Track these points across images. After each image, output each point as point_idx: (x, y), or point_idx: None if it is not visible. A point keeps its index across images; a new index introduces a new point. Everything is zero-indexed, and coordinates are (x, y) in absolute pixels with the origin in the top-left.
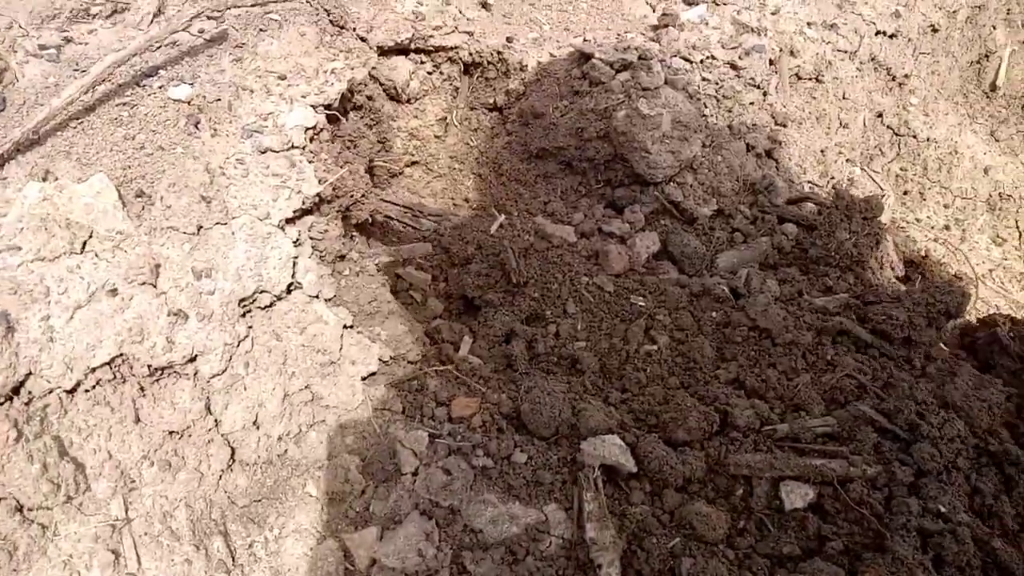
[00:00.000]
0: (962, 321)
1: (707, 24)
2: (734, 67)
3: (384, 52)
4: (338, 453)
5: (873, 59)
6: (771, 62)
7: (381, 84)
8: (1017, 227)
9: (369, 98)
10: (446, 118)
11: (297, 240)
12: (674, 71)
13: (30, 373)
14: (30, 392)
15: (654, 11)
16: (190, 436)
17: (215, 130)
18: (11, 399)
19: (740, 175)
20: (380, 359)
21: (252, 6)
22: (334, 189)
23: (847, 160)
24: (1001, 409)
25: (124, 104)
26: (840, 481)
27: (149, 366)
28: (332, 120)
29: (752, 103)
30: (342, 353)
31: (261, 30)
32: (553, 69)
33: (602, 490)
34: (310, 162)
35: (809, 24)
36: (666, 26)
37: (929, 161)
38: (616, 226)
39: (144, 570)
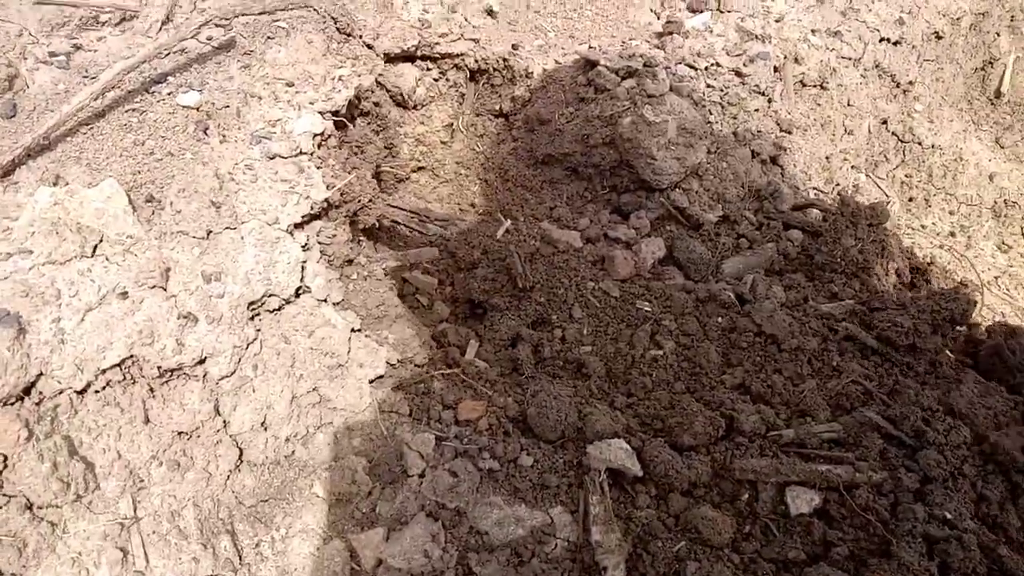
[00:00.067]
0: (967, 328)
1: (711, 31)
2: (739, 74)
3: (391, 59)
4: (345, 455)
5: (877, 66)
6: (775, 69)
7: (388, 91)
8: (1022, 234)
9: (376, 104)
10: (452, 124)
11: (305, 245)
12: (679, 78)
13: (41, 374)
14: (41, 392)
15: (659, 18)
16: (199, 437)
17: (224, 136)
18: (22, 399)
19: (745, 181)
20: (387, 362)
21: (260, 14)
22: (342, 194)
23: (852, 167)
24: (1007, 417)
25: (133, 110)
26: (846, 487)
27: (159, 368)
28: (340, 126)
29: (757, 110)
30: (350, 356)
31: (269, 37)
32: (559, 76)
33: (608, 493)
34: (318, 168)
35: (813, 31)
36: (671, 33)
37: (934, 168)
38: (622, 232)
39: (152, 568)
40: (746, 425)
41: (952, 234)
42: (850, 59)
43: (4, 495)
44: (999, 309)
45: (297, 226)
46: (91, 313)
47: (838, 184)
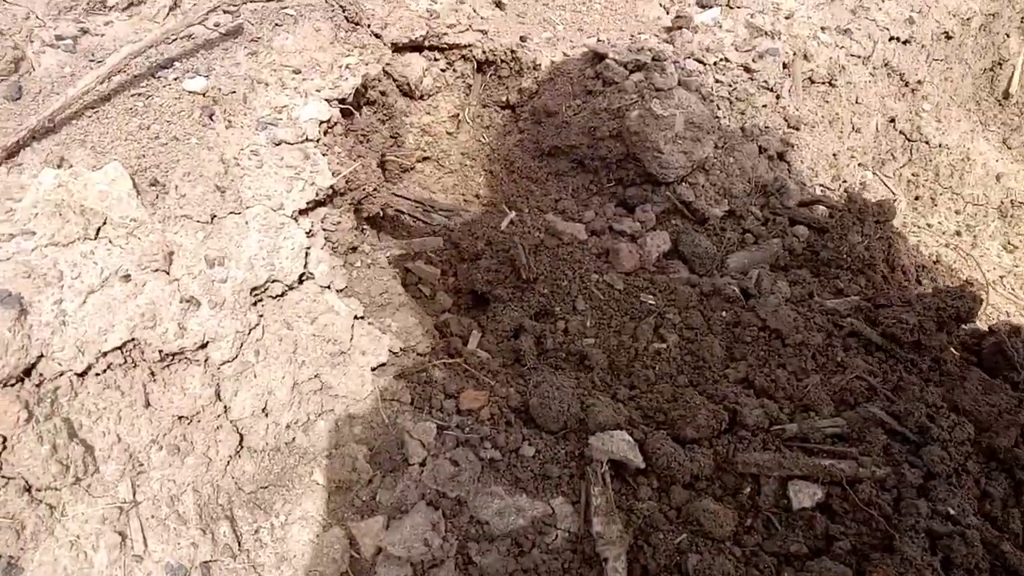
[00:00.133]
0: (972, 326)
1: (721, 27)
2: (747, 70)
3: (398, 49)
4: (346, 442)
5: (886, 64)
6: (784, 65)
7: (395, 80)
8: None
9: (383, 94)
10: (458, 115)
11: (310, 231)
12: (687, 73)
13: (42, 355)
14: (41, 374)
15: (668, 13)
16: (199, 422)
17: (230, 122)
18: (22, 380)
19: (752, 177)
20: (390, 350)
21: (268, 1)
22: (347, 182)
23: (859, 164)
24: (1011, 414)
25: (139, 95)
26: (849, 481)
27: (160, 351)
28: (346, 114)
29: (765, 106)
30: (352, 343)
31: (276, 25)
32: (566, 68)
33: (609, 485)
34: (324, 155)
35: (823, 29)
36: (680, 28)
37: (941, 167)
38: (627, 225)
39: (150, 552)
40: (749, 419)
41: (958, 233)
42: (859, 57)
43: (3, 477)
44: (1004, 308)
45: (302, 212)
46: (93, 295)
47: (845, 181)
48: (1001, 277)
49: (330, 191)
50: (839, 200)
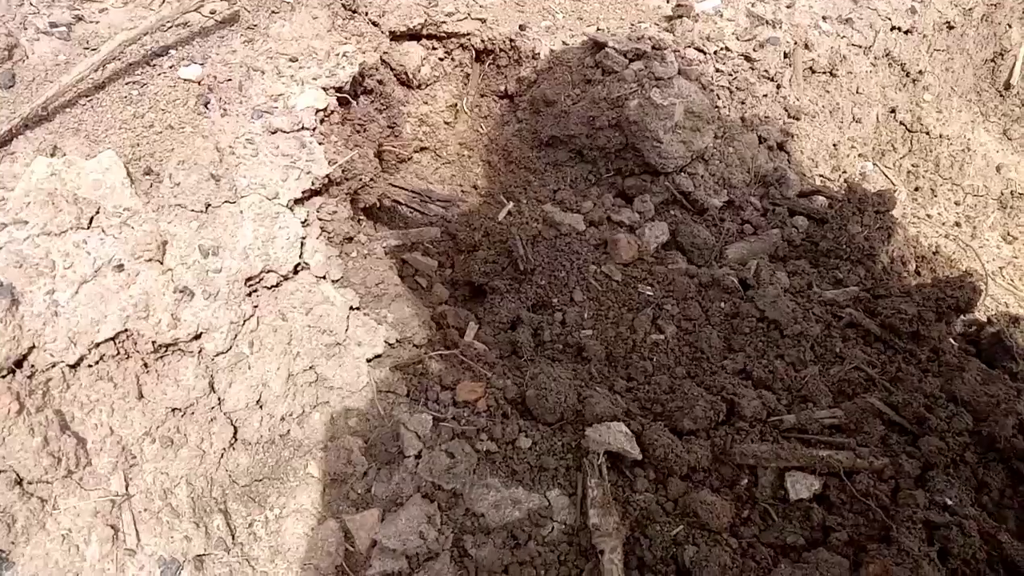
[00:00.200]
0: (971, 317)
1: (721, 16)
2: (748, 59)
3: (396, 37)
4: (341, 434)
5: (888, 55)
6: (785, 55)
7: (392, 69)
8: None
9: (380, 82)
10: (456, 105)
11: (305, 220)
12: (688, 62)
13: (34, 346)
14: (33, 365)
15: (668, 2)
16: (193, 414)
17: (225, 110)
18: (14, 372)
19: (752, 167)
20: (386, 341)
21: None
22: (343, 171)
23: (859, 155)
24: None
25: (134, 83)
26: (846, 472)
27: (153, 342)
28: (343, 103)
29: (765, 95)
30: (348, 334)
31: (273, 12)
32: (566, 58)
33: (606, 477)
34: (320, 144)
35: (824, 18)
36: (680, 17)
37: (941, 158)
38: (626, 215)
39: (143, 546)
40: (747, 410)
41: (958, 224)
42: (860, 47)
43: None
44: (1003, 299)
45: (297, 201)
46: (86, 285)
47: (845, 172)
48: (1000, 268)
49: (326, 180)
50: (839, 190)
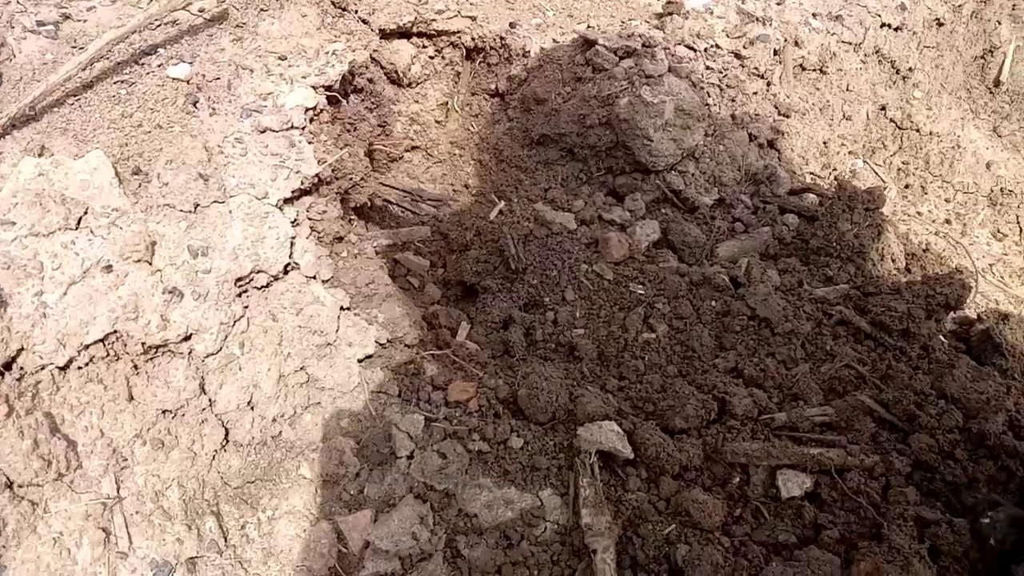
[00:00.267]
0: (961, 314)
1: (712, 13)
2: (738, 56)
3: (386, 35)
4: (333, 435)
5: (878, 52)
6: (775, 52)
7: (382, 67)
8: (1018, 222)
9: (370, 81)
10: (447, 103)
11: (295, 220)
12: (678, 59)
13: (22, 348)
14: (22, 368)
15: None
16: (183, 415)
17: (214, 109)
18: (2, 374)
19: (742, 165)
20: (377, 341)
21: None
22: (333, 171)
23: (850, 152)
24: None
25: (122, 82)
26: (837, 470)
27: (143, 344)
28: (332, 102)
29: (756, 93)
30: (339, 335)
31: (262, 10)
32: (556, 55)
33: (598, 476)
34: (309, 143)
35: (814, 15)
36: (670, 14)
37: (931, 155)
38: (617, 214)
39: (135, 548)
40: (738, 408)
41: (948, 221)
42: (850, 44)
43: None
44: (993, 296)
45: (287, 201)
46: (74, 287)
47: (835, 169)
48: (991, 265)
49: (316, 180)
50: (829, 188)
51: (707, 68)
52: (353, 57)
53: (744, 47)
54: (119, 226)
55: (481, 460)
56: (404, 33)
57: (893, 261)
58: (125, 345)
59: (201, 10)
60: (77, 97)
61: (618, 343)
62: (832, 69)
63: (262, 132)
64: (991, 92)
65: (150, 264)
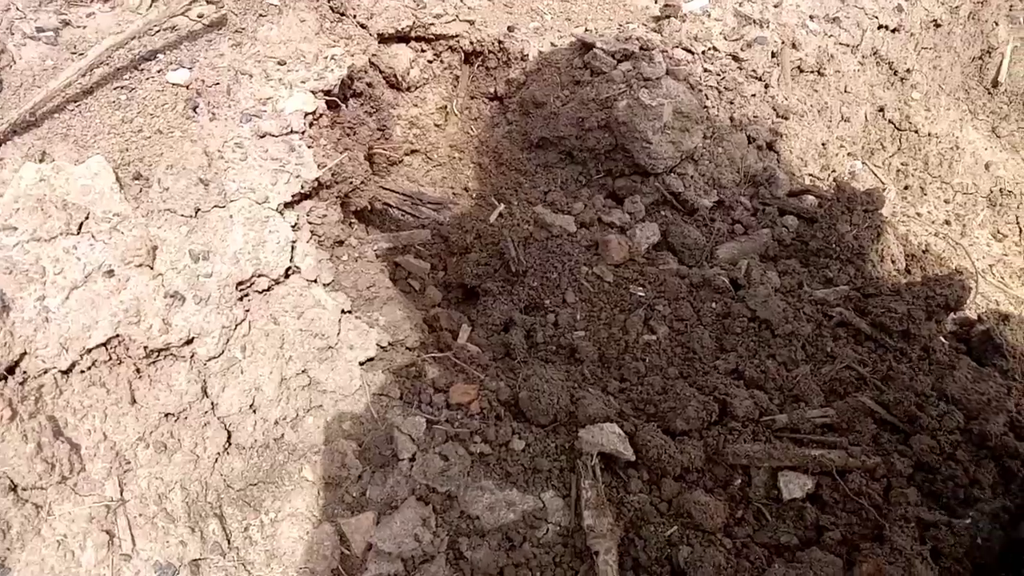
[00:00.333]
0: (961, 315)
1: (709, 16)
2: (736, 59)
3: (384, 40)
4: (335, 438)
5: (875, 53)
6: (773, 54)
7: (381, 72)
8: (1017, 223)
9: (369, 85)
10: (446, 107)
11: (295, 224)
12: (676, 62)
13: (25, 353)
14: (25, 372)
15: (656, 2)
16: (186, 419)
17: (214, 114)
18: (5, 379)
19: (741, 167)
20: (378, 344)
21: None
22: (333, 175)
23: (848, 154)
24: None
25: (122, 87)
26: (839, 471)
27: (145, 348)
28: (332, 106)
29: (754, 95)
30: (340, 338)
31: (260, 15)
32: (554, 59)
33: (600, 478)
34: (309, 147)
35: (811, 17)
36: (668, 17)
37: (930, 156)
38: (616, 216)
39: (139, 551)
40: (739, 410)
41: (947, 222)
42: (848, 46)
43: None
44: (993, 297)
45: (287, 205)
46: (76, 291)
47: (834, 171)
48: (990, 266)
49: (316, 184)
50: (828, 190)
51: (705, 71)
52: (352, 62)
53: (742, 49)
54: (120, 231)
55: (483, 462)
56: (402, 37)
57: (893, 262)
58: (127, 349)
59: (200, 16)
60: (77, 103)
61: (619, 345)
62: (830, 71)
63: (262, 137)
64: (989, 93)
65: (151, 268)
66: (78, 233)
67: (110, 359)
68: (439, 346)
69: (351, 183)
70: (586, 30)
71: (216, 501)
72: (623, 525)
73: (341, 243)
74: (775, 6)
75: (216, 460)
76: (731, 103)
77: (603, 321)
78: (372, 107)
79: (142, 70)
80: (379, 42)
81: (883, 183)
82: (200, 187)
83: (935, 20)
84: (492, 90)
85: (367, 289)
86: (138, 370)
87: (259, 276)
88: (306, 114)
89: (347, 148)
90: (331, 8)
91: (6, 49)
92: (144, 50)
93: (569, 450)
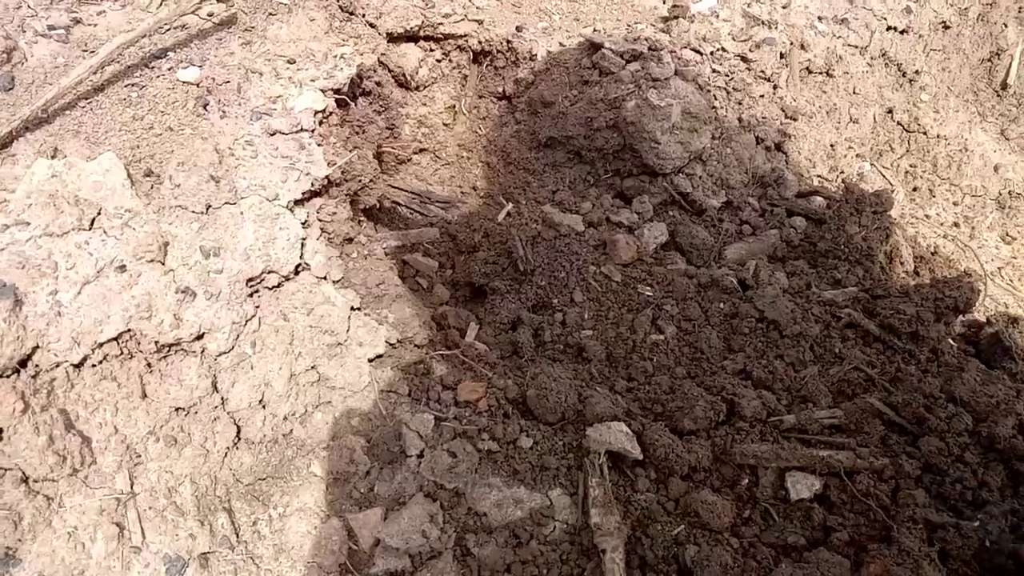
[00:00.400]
0: (970, 317)
1: (718, 16)
2: (744, 60)
3: (393, 39)
4: (343, 434)
5: (884, 55)
6: (782, 55)
7: (390, 70)
8: None
9: (378, 84)
10: (455, 106)
11: (305, 221)
12: (684, 62)
13: (37, 346)
14: (37, 365)
15: (664, 2)
16: (196, 413)
17: (224, 112)
18: (18, 372)
19: (749, 167)
20: (387, 341)
21: None
22: (343, 173)
23: (857, 155)
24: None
25: (133, 85)
26: (847, 472)
27: (156, 342)
28: (341, 105)
29: (762, 96)
30: (349, 335)
31: (270, 14)
32: (563, 59)
33: (607, 476)
34: (319, 145)
35: (820, 18)
36: (676, 18)
37: (939, 158)
38: (624, 216)
39: (148, 544)
40: (747, 410)
41: (956, 224)
42: (857, 47)
43: (0, 468)
44: (1002, 299)
45: (297, 203)
46: (88, 286)
47: (842, 172)
48: (999, 268)
49: (325, 181)
50: (837, 191)
51: (713, 71)
52: (361, 60)
53: (750, 50)
54: (132, 227)
55: (491, 459)
56: (411, 37)
57: (901, 264)
58: (138, 343)
59: (210, 14)
60: (88, 100)
61: (626, 344)
62: (838, 72)
63: (272, 135)
64: (998, 95)
65: (163, 264)
66: (90, 229)
67: (121, 353)
68: (447, 344)
69: (360, 181)
70: (594, 30)
71: (225, 495)
72: (630, 523)
73: (350, 240)
74: (784, 7)
75: (225, 454)
76: (739, 104)
77: (611, 320)
78: (381, 106)
79: (153, 68)
80: (388, 41)
81: (892, 185)
82: (211, 184)
83: (944, 22)
84: (500, 89)
85: (376, 286)
86: (149, 365)
87: (269, 272)
88: (316, 112)
89: (356, 146)
90: (340, 7)
91: (18, 47)
92: (155, 48)
93: (577, 448)
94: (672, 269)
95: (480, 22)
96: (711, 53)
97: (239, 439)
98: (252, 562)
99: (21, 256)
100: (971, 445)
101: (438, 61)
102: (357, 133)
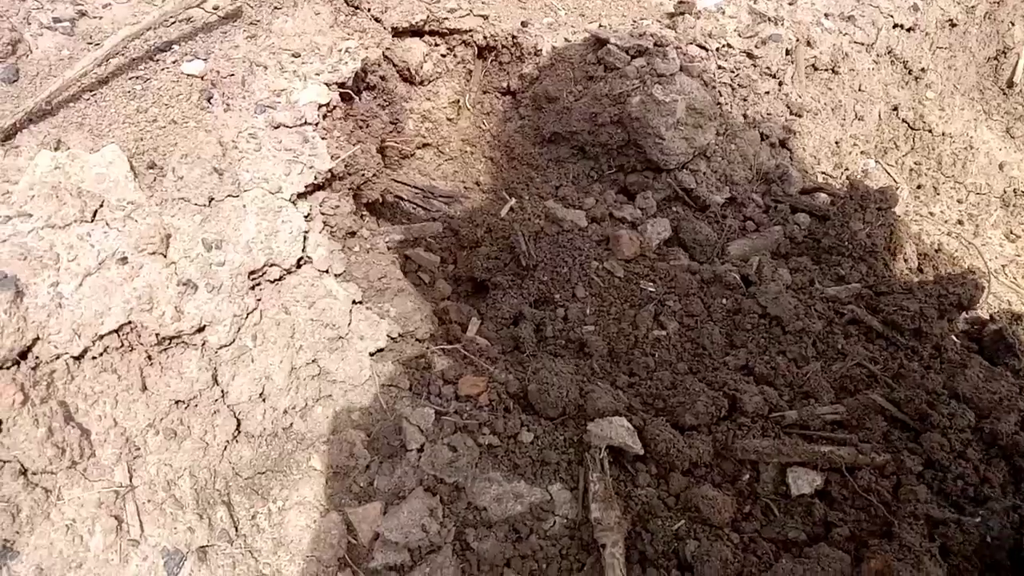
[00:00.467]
0: (973, 314)
1: (724, 12)
2: (750, 56)
3: (398, 33)
4: (344, 428)
5: (890, 52)
6: (787, 52)
7: (395, 65)
8: None
9: (382, 78)
10: (459, 101)
11: (308, 215)
12: (690, 58)
13: (38, 338)
14: (37, 357)
15: None
16: (196, 406)
17: (228, 105)
18: (18, 363)
19: (754, 164)
20: (388, 335)
21: None
22: (346, 166)
23: (862, 152)
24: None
25: (137, 78)
26: (848, 468)
27: (157, 335)
28: (345, 99)
29: (767, 92)
30: (350, 328)
31: (275, 8)
32: (568, 54)
33: (608, 471)
34: (323, 139)
35: (826, 15)
36: (682, 13)
37: (944, 156)
38: (628, 212)
39: (147, 537)
40: (749, 406)
41: (960, 222)
42: (863, 44)
43: None
44: (1006, 297)
45: (300, 196)
46: (90, 278)
47: (847, 169)
48: (1003, 266)
49: (329, 175)
50: (841, 188)
51: (719, 67)
52: (366, 55)
53: (756, 47)
54: (134, 219)
55: (491, 454)
56: (416, 31)
57: (905, 261)
58: (139, 336)
59: (215, 8)
60: (93, 92)
61: (628, 340)
62: (844, 69)
63: (276, 128)
64: (1004, 93)
65: (165, 256)
66: (92, 221)
67: (122, 346)
68: (448, 338)
69: (363, 175)
70: (600, 26)
71: (224, 489)
72: (630, 518)
73: (353, 234)
74: (790, 4)
75: (225, 448)
76: (744, 100)
77: (613, 316)
78: (385, 100)
79: (157, 61)
80: (393, 36)
81: (896, 182)
82: (214, 177)
83: (951, 20)
84: (505, 84)
85: (378, 280)
86: (149, 357)
87: (271, 265)
88: (320, 106)
89: (360, 140)
90: (345, 1)
91: (23, 39)
92: (159, 41)
93: (577, 443)
94: (675, 265)
95: (485, 17)
96: (717, 49)
97: (239, 432)
98: (251, 556)
99: (23, 247)
100: (973, 441)
101: (443, 56)
102: (361, 127)
